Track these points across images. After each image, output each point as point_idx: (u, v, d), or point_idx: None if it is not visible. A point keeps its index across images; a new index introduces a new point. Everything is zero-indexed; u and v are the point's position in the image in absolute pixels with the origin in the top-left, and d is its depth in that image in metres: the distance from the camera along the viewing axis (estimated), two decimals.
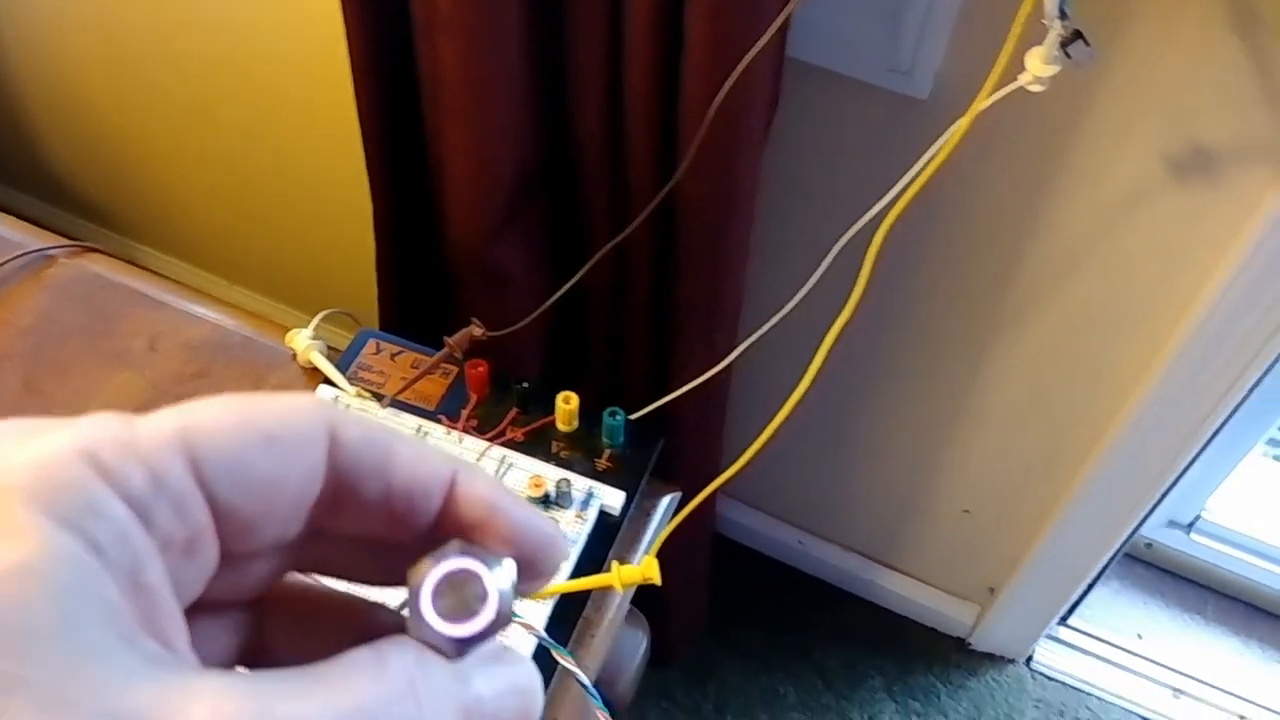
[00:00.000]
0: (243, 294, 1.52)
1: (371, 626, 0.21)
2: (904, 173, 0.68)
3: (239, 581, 0.19)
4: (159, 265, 1.55)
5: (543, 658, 0.54)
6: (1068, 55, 0.54)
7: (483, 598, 0.18)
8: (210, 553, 0.18)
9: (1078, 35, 0.53)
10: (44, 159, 1.49)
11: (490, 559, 0.18)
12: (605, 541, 0.64)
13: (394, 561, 0.19)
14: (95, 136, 1.39)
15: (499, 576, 0.18)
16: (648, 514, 0.68)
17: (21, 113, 1.42)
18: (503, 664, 0.18)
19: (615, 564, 0.62)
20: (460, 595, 0.18)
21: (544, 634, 0.27)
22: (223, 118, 1.22)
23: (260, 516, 0.18)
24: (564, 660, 0.26)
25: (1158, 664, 1.29)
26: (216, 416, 0.17)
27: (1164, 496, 1.02)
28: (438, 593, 0.18)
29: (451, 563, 0.18)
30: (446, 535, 0.19)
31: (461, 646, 0.18)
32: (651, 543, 0.67)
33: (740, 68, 0.59)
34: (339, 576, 0.21)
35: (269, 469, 0.17)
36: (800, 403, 0.63)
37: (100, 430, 0.16)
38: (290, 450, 0.18)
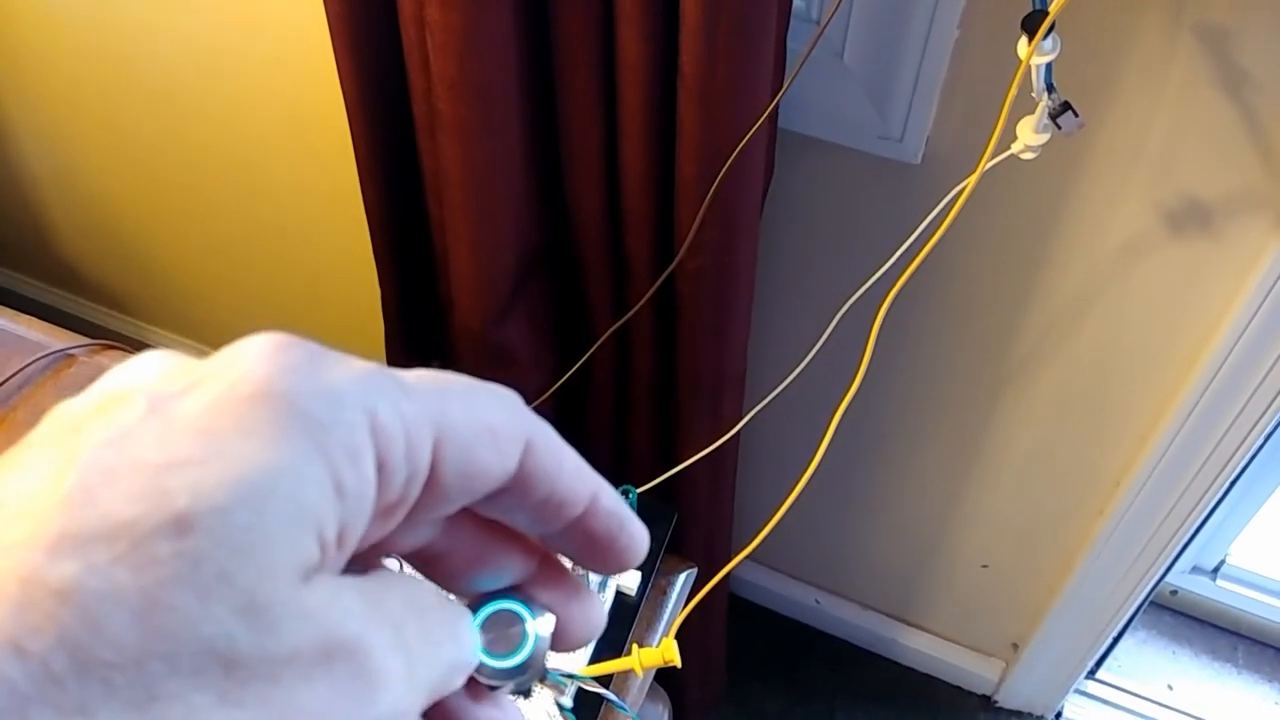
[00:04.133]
0: None
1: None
2: (899, 236, 0.69)
3: (396, 538, 0.20)
4: (169, 346, 1.56)
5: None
6: (1058, 125, 0.55)
7: (521, 639, 0.20)
8: (399, 516, 0.18)
9: (1066, 106, 0.54)
10: (58, 248, 1.51)
11: (535, 610, 0.21)
12: (623, 623, 0.64)
13: (501, 567, 0.22)
14: (107, 226, 1.41)
15: (540, 624, 0.21)
16: (664, 592, 0.68)
17: (37, 205, 1.45)
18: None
19: (635, 647, 0.62)
20: (503, 634, 0.20)
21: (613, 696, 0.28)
22: (232, 207, 1.25)
23: (458, 497, 0.19)
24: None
25: (1190, 715, 1.26)
26: (462, 401, 0.18)
27: (1188, 543, 1.00)
28: (485, 628, 0.21)
29: (501, 604, 0.21)
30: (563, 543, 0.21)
31: (498, 676, 0.20)
32: (669, 623, 0.66)
33: (734, 156, 0.60)
34: (444, 574, 0.22)
35: (486, 460, 0.18)
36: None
37: (384, 388, 0.17)
38: (505, 445, 0.19)
